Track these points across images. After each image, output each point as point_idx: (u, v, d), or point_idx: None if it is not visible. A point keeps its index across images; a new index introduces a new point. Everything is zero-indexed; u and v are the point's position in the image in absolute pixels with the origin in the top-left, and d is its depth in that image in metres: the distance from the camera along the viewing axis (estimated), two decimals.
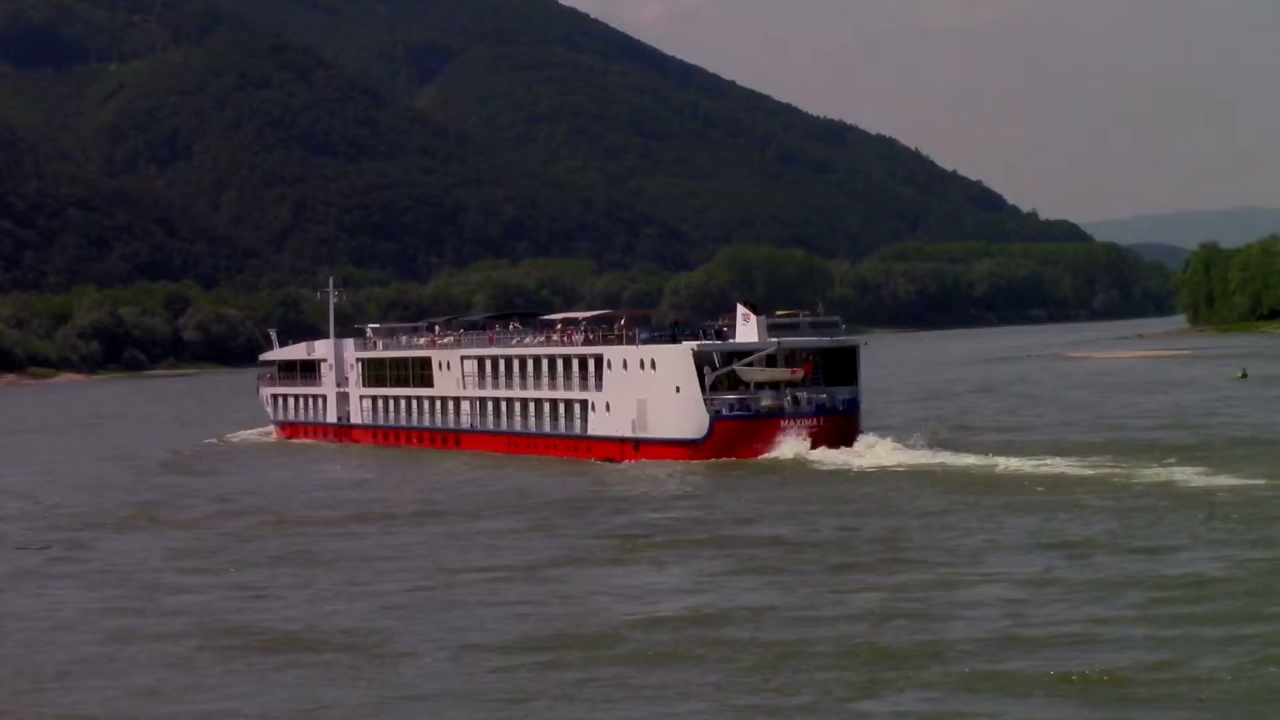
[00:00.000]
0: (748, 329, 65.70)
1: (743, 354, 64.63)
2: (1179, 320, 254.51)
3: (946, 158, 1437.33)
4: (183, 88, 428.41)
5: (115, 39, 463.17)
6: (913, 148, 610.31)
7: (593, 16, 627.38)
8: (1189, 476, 49.54)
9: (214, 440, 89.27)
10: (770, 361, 64.72)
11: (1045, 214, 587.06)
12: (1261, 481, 47.86)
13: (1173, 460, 53.79)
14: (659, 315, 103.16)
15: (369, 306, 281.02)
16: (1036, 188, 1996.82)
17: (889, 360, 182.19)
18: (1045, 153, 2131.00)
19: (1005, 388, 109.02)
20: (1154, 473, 50.84)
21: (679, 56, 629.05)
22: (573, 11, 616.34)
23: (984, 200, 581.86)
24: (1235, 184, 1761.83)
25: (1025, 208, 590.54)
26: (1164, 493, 46.72)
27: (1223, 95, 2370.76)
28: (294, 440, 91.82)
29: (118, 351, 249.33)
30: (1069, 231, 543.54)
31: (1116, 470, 52.46)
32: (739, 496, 52.42)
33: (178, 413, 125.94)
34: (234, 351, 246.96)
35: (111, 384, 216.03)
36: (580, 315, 78.73)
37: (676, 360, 64.46)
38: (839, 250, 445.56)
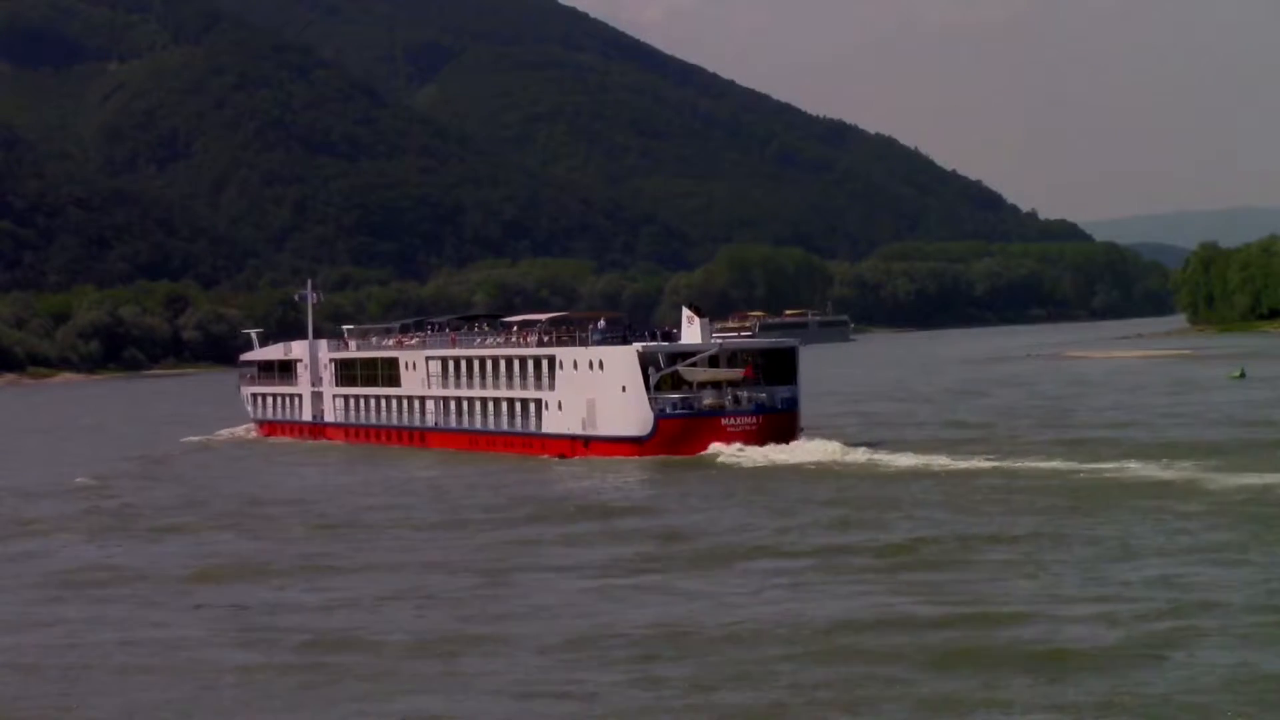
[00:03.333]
0: (692, 331, 68.29)
1: (686, 355, 67.17)
2: (1179, 320, 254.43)
3: (946, 157, 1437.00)
4: (183, 87, 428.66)
5: (115, 39, 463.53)
6: (912, 147, 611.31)
7: (593, 16, 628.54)
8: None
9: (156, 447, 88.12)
10: (712, 362, 67.01)
11: (1045, 214, 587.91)
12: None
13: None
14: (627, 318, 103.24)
15: (370, 307, 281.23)
16: (1036, 187, 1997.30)
17: (892, 361, 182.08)
18: (1045, 153, 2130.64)
19: (1000, 388, 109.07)
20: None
21: (679, 56, 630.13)
22: (573, 11, 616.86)
23: (983, 200, 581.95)
24: (1235, 184, 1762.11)
25: (1025, 207, 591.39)
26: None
27: (1222, 95, 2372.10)
28: (271, 438, 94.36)
29: (117, 351, 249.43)
30: (1069, 231, 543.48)
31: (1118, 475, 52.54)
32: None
33: (173, 411, 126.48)
34: (234, 351, 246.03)
35: (110, 383, 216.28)
36: (539, 317, 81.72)
37: (622, 361, 66.91)
38: (839, 250, 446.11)
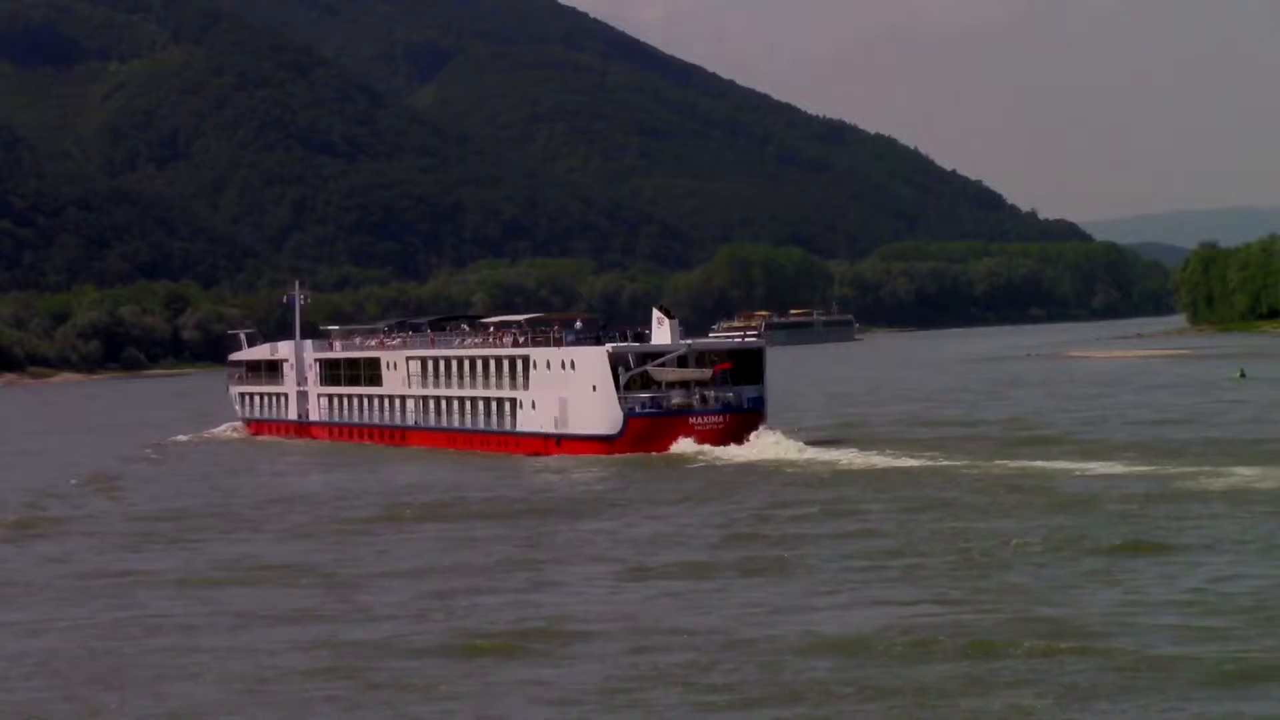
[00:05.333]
0: (662, 332, 70.14)
1: (656, 355, 68.87)
2: (1178, 320, 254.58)
3: (945, 157, 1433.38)
4: (182, 87, 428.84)
5: (115, 38, 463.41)
6: (912, 147, 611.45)
7: (593, 16, 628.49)
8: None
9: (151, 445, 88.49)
10: (681, 362, 68.64)
11: (1045, 213, 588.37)
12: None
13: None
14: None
15: (369, 307, 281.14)
16: (1036, 187, 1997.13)
17: (896, 361, 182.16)
18: (1045, 153, 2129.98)
19: (1008, 389, 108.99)
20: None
21: (679, 56, 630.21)
22: (573, 11, 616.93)
23: (983, 199, 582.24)
24: (1235, 184, 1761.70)
25: (1025, 207, 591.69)
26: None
27: (1222, 95, 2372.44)
28: (259, 437, 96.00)
29: (117, 351, 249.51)
30: (1068, 231, 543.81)
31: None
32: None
33: (168, 410, 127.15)
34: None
35: (110, 383, 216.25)
36: (516, 318, 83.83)
37: (593, 361, 68.64)
38: (838, 250, 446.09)
